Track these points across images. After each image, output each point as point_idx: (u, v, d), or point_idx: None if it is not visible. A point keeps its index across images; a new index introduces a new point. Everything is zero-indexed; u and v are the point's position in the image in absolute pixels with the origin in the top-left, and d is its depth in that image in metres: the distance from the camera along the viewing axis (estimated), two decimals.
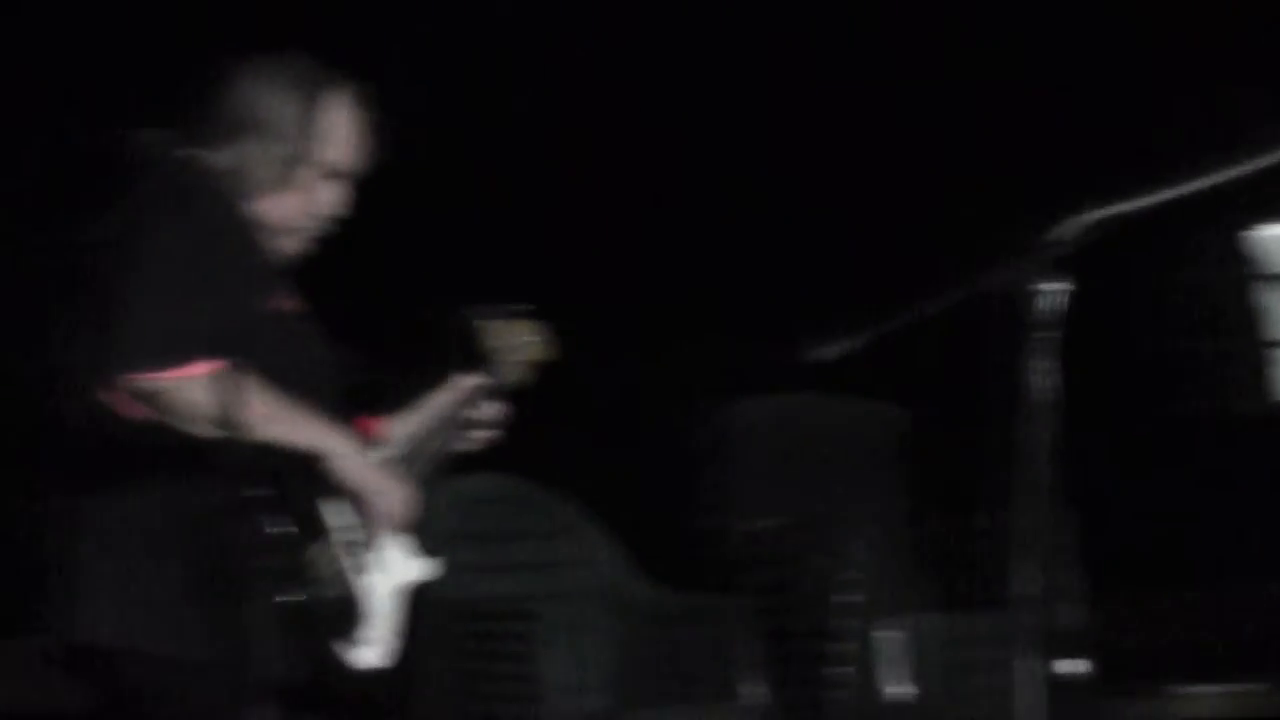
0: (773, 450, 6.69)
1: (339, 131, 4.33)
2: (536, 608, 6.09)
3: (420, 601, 4.38)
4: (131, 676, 4.01)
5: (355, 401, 4.29)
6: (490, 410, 4.61)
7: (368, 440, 4.29)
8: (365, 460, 4.14)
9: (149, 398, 3.87)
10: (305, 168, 4.31)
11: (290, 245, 4.36)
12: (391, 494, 4.17)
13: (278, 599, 3.93)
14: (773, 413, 6.71)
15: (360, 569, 4.19)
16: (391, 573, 4.25)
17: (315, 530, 4.10)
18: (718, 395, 6.80)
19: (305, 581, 4.04)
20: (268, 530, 3.97)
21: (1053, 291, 3.88)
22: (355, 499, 4.15)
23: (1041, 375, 3.86)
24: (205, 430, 3.96)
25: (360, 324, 4.44)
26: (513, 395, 4.70)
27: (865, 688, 6.16)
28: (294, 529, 4.02)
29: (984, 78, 7.67)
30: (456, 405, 4.58)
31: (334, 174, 4.34)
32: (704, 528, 6.68)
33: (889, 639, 6.19)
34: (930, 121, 7.71)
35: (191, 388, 3.92)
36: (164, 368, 3.92)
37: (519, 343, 4.75)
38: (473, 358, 4.71)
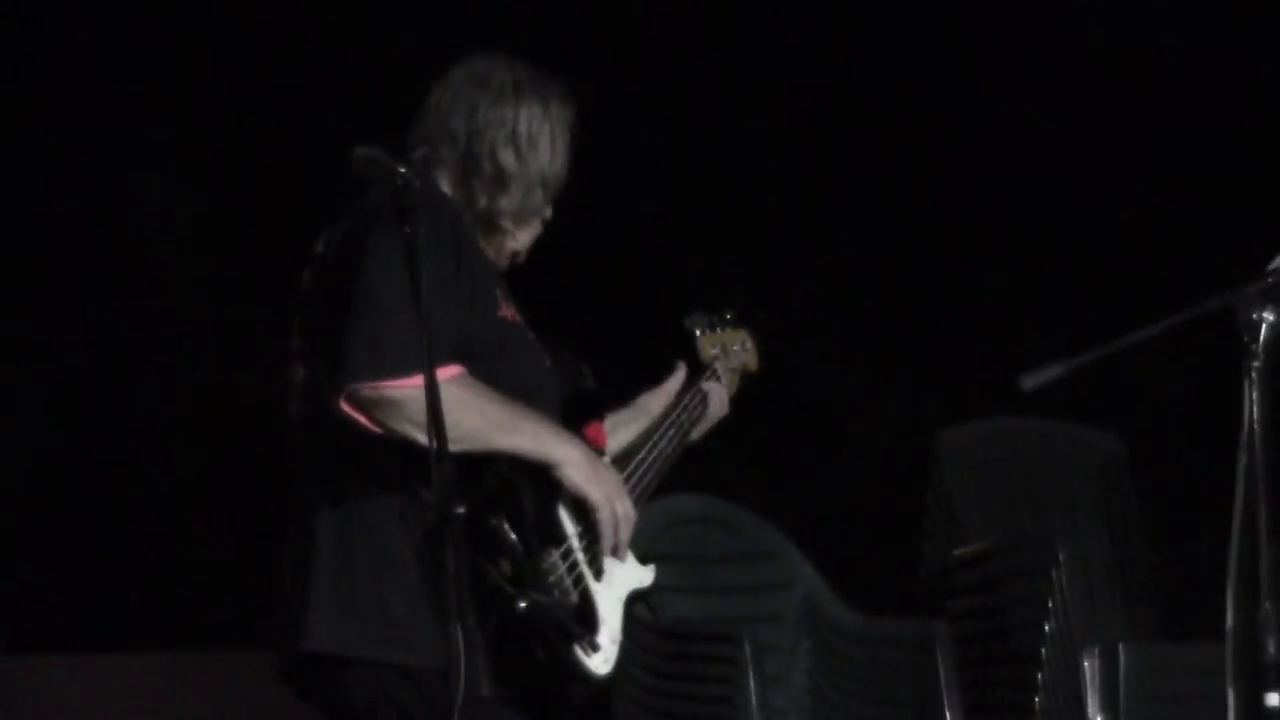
0: (984, 474, 6.67)
1: (568, 150, 4.36)
2: (738, 630, 6.08)
3: (626, 617, 4.41)
4: (363, 685, 4.03)
5: (579, 409, 4.32)
6: (709, 412, 4.63)
7: (597, 448, 4.28)
8: (593, 470, 4.12)
9: (382, 406, 3.88)
10: (555, 192, 4.35)
11: (512, 258, 4.40)
12: (614, 507, 4.14)
13: (521, 604, 3.97)
14: (985, 437, 6.69)
15: (592, 576, 4.22)
16: (614, 583, 4.27)
17: (553, 537, 4.12)
18: (931, 420, 6.80)
19: (545, 588, 4.06)
20: (508, 537, 4.01)
21: (1271, 322, 3.86)
22: (582, 507, 4.14)
23: (1258, 405, 3.84)
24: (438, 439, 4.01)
25: (575, 331, 4.49)
26: (731, 404, 4.72)
27: (1073, 715, 6.12)
28: (532, 537, 4.07)
29: (1205, 111, 7.62)
30: (676, 410, 4.58)
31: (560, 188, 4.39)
32: (911, 551, 6.68)
33: (1098, 667, 6.15)
34: (1157, 150, 7.66)
35: (424, 397, 3.80)
36: (407, 374, 3.89)
37: (733, 351, 4.76)
38: (694, 365, 4.73)
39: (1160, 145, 7.65)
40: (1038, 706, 6.09)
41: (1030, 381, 4.11)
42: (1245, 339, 3.87)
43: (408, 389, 3.88)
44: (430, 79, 4.37)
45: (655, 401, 4.60)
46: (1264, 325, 3.86)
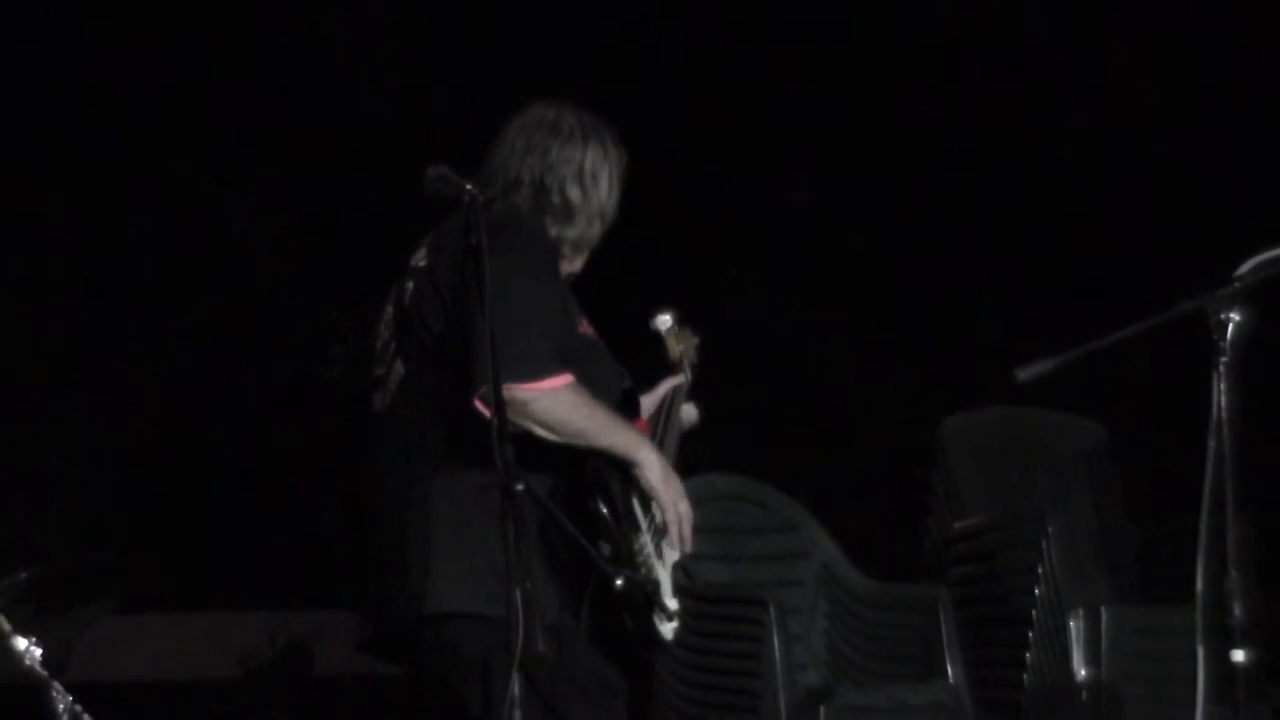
0: (983, 457, 6.65)
1: (621, 189, 4.39)
2: (764, 594, 6.08)
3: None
4: (476, 638, 4.04)
5: (625, 409, 4.33)
6: (689, 410, 4.64)
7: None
8: (665, 474, 4.20)
9: (518, 406, 3.91)
10: (608, 226, 4.38)
11: (566, 279, 4.43)
12: (679, 508, 4.21)
13: (619, 581, 4.01)
14: (984, 424, 6.67)
15: (659, 555, 4.25)
16: (667, 564, 4.28)
17: (635, 524, 4.17)
18: (936, 409, 6.78)
19: (636, 567, 4.11)
20: (609, 523, 4.07)
21: (1237, 322, 3.86)
22: (648, 503, 4.20)
23: (1225, 395, 3.83)
24: (554, 435, 4.05)
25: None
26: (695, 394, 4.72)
27: (1060, 671, 6.11)
28: (624, 523, 4.12)
29: (1185, 134, 7.59)
30: (665, 407, 4.60)
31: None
32: (918, 524, 6.67)
33: (1082, 627, 6.13)
34: (1139, 168, 7.65)
35: (553, 397, 3.99)
36: (536, 379, 3.98)
37: (690, 347, 4.74)
38: (663, 362, 4.72)
39: (1142, 164, 7.63)
40: (1029, 662, 6.08)
41: (1025, 374, 4.10)
42: (1215, 337, 3.87)
43: (531, 391, 3.97)
44: (488, 116, 4.43)
45: (648, 400, 4.63)
46: (1231, 324, 3.86)
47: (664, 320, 4.75)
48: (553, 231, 4.28)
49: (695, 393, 4.67)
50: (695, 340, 4.75)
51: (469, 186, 3.90)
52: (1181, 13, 7.61)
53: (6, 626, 4.42)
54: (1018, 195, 7.73)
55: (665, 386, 4.67)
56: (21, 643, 4.43)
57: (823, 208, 7.78)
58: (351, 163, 7.26)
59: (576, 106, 4.39)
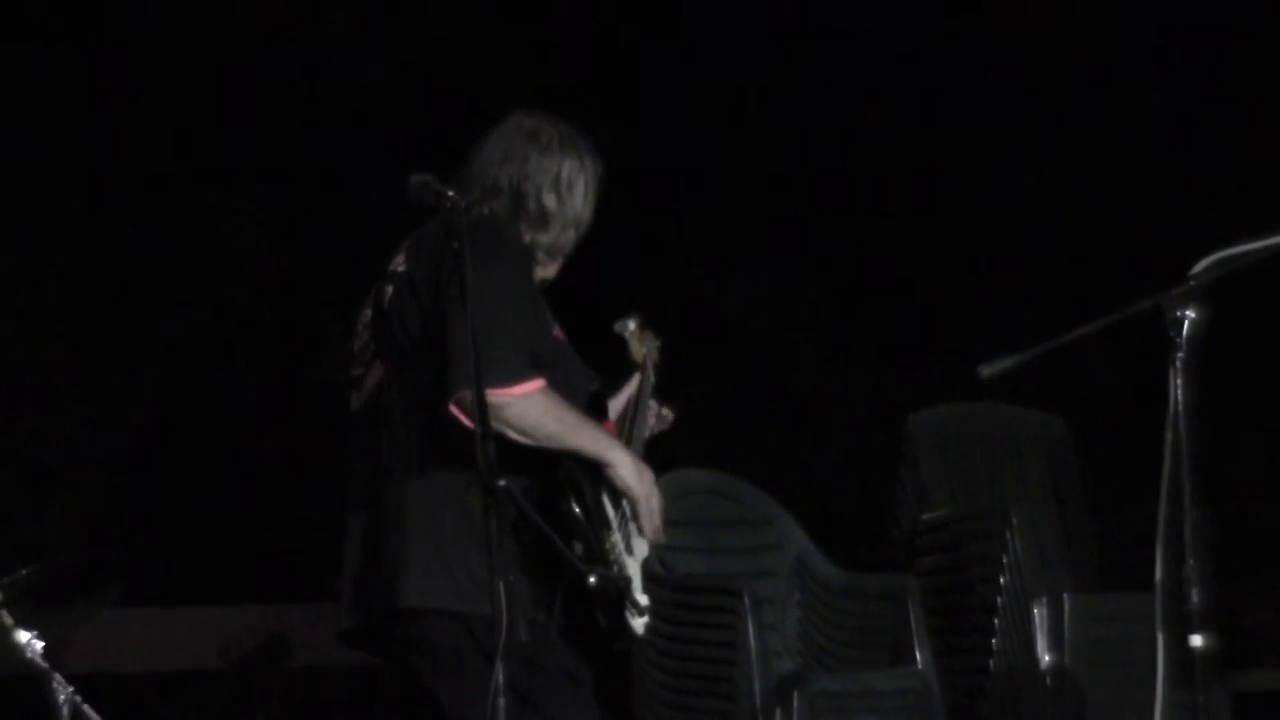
0: (948, 451, 6.66)
1: (596, 198, 4.42)
2: (739, 584, 6.08)
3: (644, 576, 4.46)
4: (448, 632, 4.07)
5: (594, 410, 4.35)
6: (665, 413, 4.66)
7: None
8: (636, 470, 4.22)
9: (493, 410, 3.89)
10: (583, 233, 4.41)
11: (541, 284, 4.45)
12: (651, 502, 4.24)
13: (592, 579, 4.01)
14: (949, 419, 6.66)
15: (629, 552, 4.28)
16: (637, 556, 4.31)
17: (606, 522, 4.20)
18: (903, 405, 6.79)
19: (608, 564, 4.13)
20: (581, 522, 4.10)
21: (1193, 319, 3.88)
22: (618, 499, 4.23)
23: (1182, 390, 3.86)
24: (527, 438, 4.06)
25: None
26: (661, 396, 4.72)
27: (1025, 657, 6.13)
28: (595, 521, 4.14)
29: (1144, 138, 7.62)
30: (630, 406, 4.61)
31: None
32: (886, 516, 6.68)
33: (1046, 615, 6.15)
34: (1096, 170, 7.67)
35: (526, 402, 4.00)
36: (509, 384, 3.99)
37: (651, 348, 4.75)
38: (627, 363, 4.73)
39: (1099, 167, 7.65)
40: (994, 648, 6.10)
41: (988, 371, 4.12)
42: (1171, 334, 3.89)
43: (504, 396, 3.98)
44: (471, 122, 4.45)
45: (616, 403, 4.65)
46: (1187, 322, 3.87)
47: (627, 325, 4.76)
48: (527, 237, 4.29)
49: (672, 393, 4.69)
50: (657, 343, 4.76)
51: (451, 194, 3.92)
52: (1134, 12, 7.63)
53: (9, 621, 4.44)
54: (980, 199, 7.74)
55: (631, 387, 4.69)
56: (24, 636, 4.45)
57: (793, 213, 7.79)
58: (343, 163, 7.25)
59: (555, 117, 4.40)
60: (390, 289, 4.27)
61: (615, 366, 4.63)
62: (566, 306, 4.44)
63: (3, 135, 7.01)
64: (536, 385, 4.05)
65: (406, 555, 4.08)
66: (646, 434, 4.59)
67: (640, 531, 4.28)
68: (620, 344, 4.74)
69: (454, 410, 3.99)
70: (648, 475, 4.26)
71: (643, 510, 4.23)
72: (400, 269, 4.27)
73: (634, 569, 4.28)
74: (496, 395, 3.92)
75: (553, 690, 4.12)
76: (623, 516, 4.26)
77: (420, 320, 4.16)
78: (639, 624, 4.21)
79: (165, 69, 7.12)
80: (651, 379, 4.70)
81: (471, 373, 3.87)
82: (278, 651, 7.04)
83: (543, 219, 4.31)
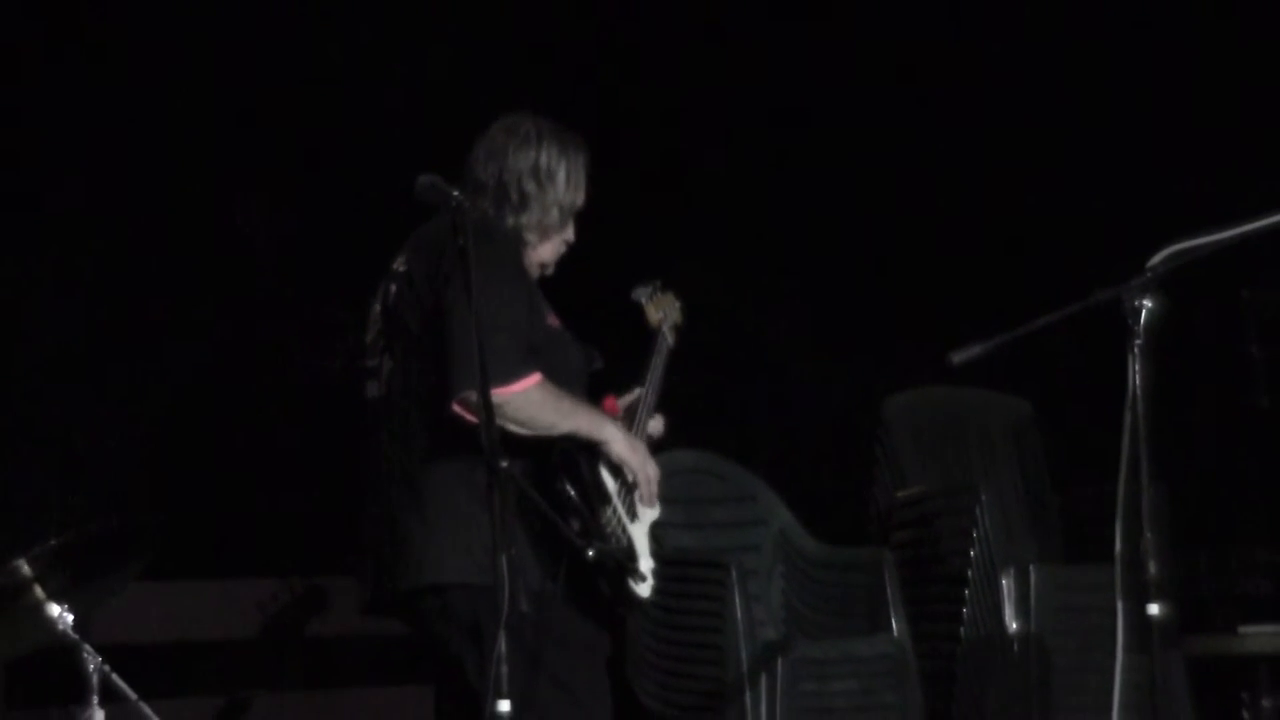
0: (921, 432, 6.66)
1: (584, 179, 4.43)
2: (725, 558, 6.08)
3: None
4: (467, 605, 4.10)
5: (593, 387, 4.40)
6: (654, 423, 4.58)
7: (612, 416, 4.38)
8: (630, 444, 4.27)
9: (494, 409, 3.87)
10: (570, 215, 4.41)
11: (540, 269, 4.46)
12: (646, 470, 4.31)
13: (590, 553, 4.06)
14: (922, 402, 6.67)
15: (629, 520, 4.30)
16: (643, 521, 4.35)
17: (603, 496, 4.22)
18: (879, 388, 6.79)
19: (605, 537, 4.15)
20: (575, 500, 4.11)
21: (1150, 308, 3.89)
22: (619, 470, 4.28)
23: (1139, 374, 3.87)
24: (526, 430, 4.09)
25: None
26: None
27: (993, 624, 6.13)
28: (592, 496, 4.18)
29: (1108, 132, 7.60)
30: (649, 371, 4.62)
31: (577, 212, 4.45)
32: (863, 493, 6.68)
33: (1013, 585, 6.15)
34: (1060, 165, 7.65)
35: (523, 398, 4.04)
36: (507, 383, 4.03)
37: (670, 312, 4.74)
38: (647, 331, 4.72)
39: (1063, 164, 7.64)
40: (965, 617, 6.10)
41: (958, 357, 4.14)
42: (1129, 322, 3.90)
43: (503, 395, 4.02)
44: (478, 123, 4.45)
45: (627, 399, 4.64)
46: (1144, 311, 3.88)
47: (643, 290, 4.75)
48: (509, 220, 4.31)
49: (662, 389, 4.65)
50: (677, 303, 4.73)
51: (455, 194, 3.92)
52: (1089, 7, 7.61)
53: (40, 594, 4.41)
54: (951, 195, 7.73)
55: (656, 370, 4.64)
56: (54, 609, 4.42)
57: (776, 202, 7.77)
58: (358, 160, 7.22)
59: (536, 114, 4.41)
60: (393, 288, 4.29)
61: (612, 351, 4.62)
62: (565, 294, 4.44)
63: (64, 116, 6.93)
64: (533, 381, 4.08)
65: (427, 534, 4.13)
66: (655, 402, 4.58)
67: (642, 499, 4.30)
68: (638, 311, 4.73)
69: (457, 409, 4.03)
70: (640, 447, 4.32)
71: (640, 478, 4.29)
72: (401, 269, 4.30)
73: (640, 534, 4.31)
74: (495, 394, 3.92)
75: (569, 659, 4.15)
76: (624, 486, 4.29)
77: (420, 317, 4.19)
78: (644, 589, 4.23)
79: (175, 58, 7.07)
80: (669, 341, 4.68)
81: (472, 373, 3.87)
82: (303, 621, 7.03)
83: (523, 202, 4.32)
